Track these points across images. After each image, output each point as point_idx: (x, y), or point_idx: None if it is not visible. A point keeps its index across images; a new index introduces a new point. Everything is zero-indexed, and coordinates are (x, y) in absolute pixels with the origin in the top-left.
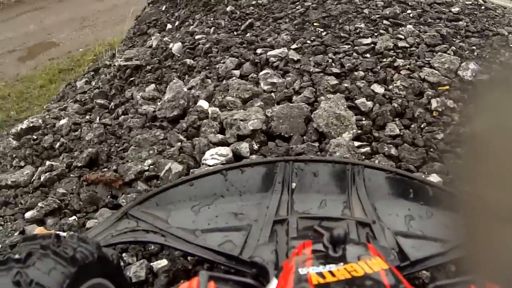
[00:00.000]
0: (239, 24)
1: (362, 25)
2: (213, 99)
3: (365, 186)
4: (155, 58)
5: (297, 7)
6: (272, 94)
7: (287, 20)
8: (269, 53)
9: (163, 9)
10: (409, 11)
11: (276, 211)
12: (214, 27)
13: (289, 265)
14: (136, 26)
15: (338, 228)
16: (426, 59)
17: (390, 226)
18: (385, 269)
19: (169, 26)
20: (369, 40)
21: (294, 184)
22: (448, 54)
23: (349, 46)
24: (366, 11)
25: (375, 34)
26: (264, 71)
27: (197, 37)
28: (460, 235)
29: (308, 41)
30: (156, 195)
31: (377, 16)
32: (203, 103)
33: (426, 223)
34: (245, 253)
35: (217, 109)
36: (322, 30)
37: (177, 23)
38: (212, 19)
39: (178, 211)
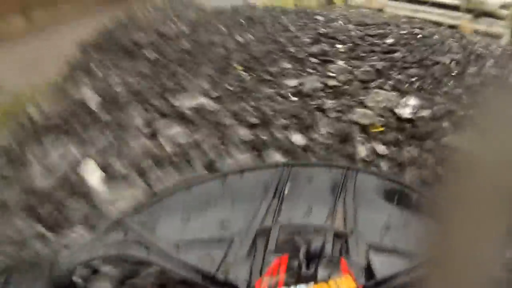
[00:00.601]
0: (162, 72)
1: (289, 65)
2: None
3: (354, 191)
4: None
5: (220, 50)
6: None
7: (210, 65)
8: (186, 104)
9: (93, 56)
10: (339, 46)
11: (261, 221)
12: (136, 77)
13: (261, 286)
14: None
15: (315, 241)
16: (360, 97)
17: (366, 236)
18: (354, 287)
19: (95, 74)
20: (295, 82)
21: (286, 190)
22: (385, 89)
23: (274, 89)
24: (292, 49)
25: (303, 74)
26: (173, 129)
27: (117, 89)
28: (431, 249)
29: (230, 87)
30: (151, 204)
31: (305, 54)
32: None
33: (402, 234)
34: (222, 269)
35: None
36: (245, 73)
37: (101, 73)
38: (133, 68)
39: (168, 219)
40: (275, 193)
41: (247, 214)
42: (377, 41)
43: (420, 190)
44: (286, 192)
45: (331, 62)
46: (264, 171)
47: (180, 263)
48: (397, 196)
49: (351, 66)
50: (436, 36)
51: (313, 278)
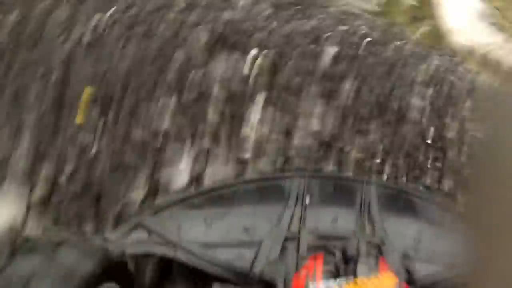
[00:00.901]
0: None
1: None
2: None
3: (377, 204)
4: None
5: None
6: None
7: None
8: None
9: None
10: None
11: (288, 227)
12: None
13: (299, 279)
14: None
15: (349, 247)
16: None
17: (399, 246)
18: (396, 282)
19: None
20: None
21: (307, 200)
22: None
23: None
24: None
25: None
26: None
27: None
28: (468, 259)
29: None
30: (169, 206)
31: None
32: None
33: (436, 245)
34: (255, 269)
35: None
36: None
37: None
38: None
39: (191, 223)
40: (296, 201)
41: (271, 221)
42: None
43: (441, 202)
44: (307, 201)
45: None
46: (282, 181)
47: (210, 261)
48: (422, 209)
49: None
50: None
51: (353, 273)
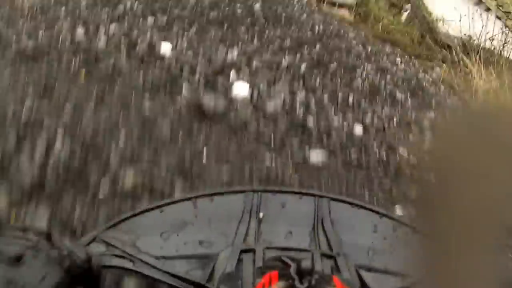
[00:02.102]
0: None
1: None
2: None
3: (330, 218)
4: None
5: None
6: None
7: None
8: None
9: None
10: None
11: (243, 240)
12: None
13: None
14: None
15: (305, 260)
16: None
17: (354, 259)
18: None
19: None
20: None
21: (261, 214)
22: None
23: None
24: None
25: None
26: None
27: None
28: (421, 271)
29: None
30: (125, 220)
31: None
32: None
33: (389, 258)
34: (212, 281)
35: None
36: None
37: None
38: None
39: (147, 237)
40: (250, 216)
41: (226, 235)
42: None
43: (394, 217)
44: (261, 216)
45: None
46: (234, 196)
47: (167, 273)
48: (376, 223)
49: None
50: None
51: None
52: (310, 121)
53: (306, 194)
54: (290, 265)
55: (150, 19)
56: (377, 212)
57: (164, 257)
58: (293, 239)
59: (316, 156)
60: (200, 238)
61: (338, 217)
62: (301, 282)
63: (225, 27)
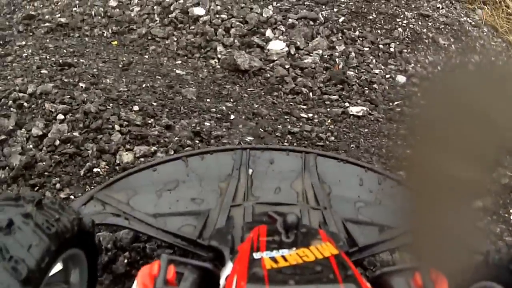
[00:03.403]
0: None
1: None
2: None
3: (317, 173)
4: None
5: None
6: None
7: None
8: None
9: None
10: None
11: (233, 197)
12: None
13: (244, 249)
14: None
15: (291, 214)
16: None
17: (340, 212)
18: (335, 254)
19: None
20: None
21: (251, 171)
22: None
23: None
24: None
25: None
26: None
27: None
28: (407, 222)
29: None
30: (120, 180)
31: None
32: None
33: (375, 210)
34: (203, 237)
35: None
36: None
37: None
38: None
39: (141, 195)
40: (239, 173)
41: (216, 192)
42: None
43: (379, 170)
44: (250, 173)
45: None
46: (224, 154)
47: (160, 230)
48: (362, 177)
49: None
50: None
51: (294, 244)
52: (351, 74)
53: (294, 150)
54: (276, 220)
55: None
56: (363, 166)
57: (157, 214)
58: (281, 194)
59: (356, 108)
60: (191, 195)
61: (325, 172)
62: (287, 236)
63: None
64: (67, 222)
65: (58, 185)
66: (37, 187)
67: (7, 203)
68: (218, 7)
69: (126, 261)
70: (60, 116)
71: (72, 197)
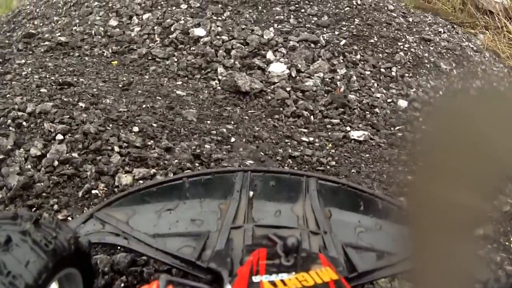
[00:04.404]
0: None
1: None
2: None
3: (318, 197)
4: None
5: None
6: None
7: None
8: None
9: None
10: None
11: (233, 219)
12: None
13: (243, 272)
14: None
15: (291, 237)
16: None
17: (341, 237)
18: (335, 279)
19: None
20: None
21: (251, 194)
22: None
23: None
24: None
25: None
26: None
27: None
28: (408, 248)
29: None
30: (120, 199)
31: None
32: None
33: (375, 236)
34: (202, 258)
35: None
36: None
37: None
38: None
39: (141, 215)
40: (240, 195)
41: (217, 213)
42: None
43: (379, 196)
44: (251, 195)
45: None
46: (226, 175)
47: (159, 250)
48: (362, 202)
49: None
50: None
51: (294, 268)
52: (352, 98)
53: (295, 174)
54: (276, 243)
55: (183, 6)
56: (364, 192)
57: (157, 235)
58: (282, 217)
59: (358, 133)
60: (191, 216)
61: (326, 196)
62: (287, 259)
63: (259, 8)
64: (64, 240)
65: (56, 206)
66: (34, 208)
67: (5, 221)
68: (219, 28)
69: (122, 285)
70: (59, 137)
71: (70, 218)
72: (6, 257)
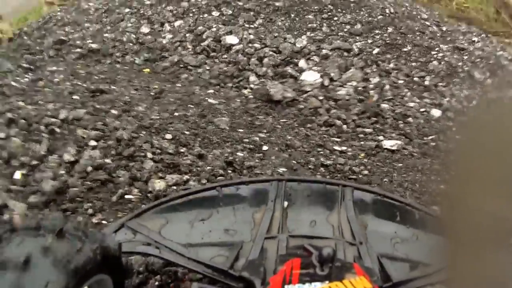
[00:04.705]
0: None
1: None
2: None
3: (354, 207)
4: None
5: None
6: None
7: None
8: None
9: None
10: None
11: (267, 229)
12: None
13: (276, 281)
14: None
15: (326, 248)
16: None
17: (376, 247)
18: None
19: None
20: None
21: (286, 203)
22: None
23: None
24: None
25: None
26: None
27: None
28: (444, 259)
29: None
30: (152, 208)
31: None
32: None
33: (411, 246)
34: (235, 268)
35: None
36: None
37: None
38: None
39: (173, 224)
40: (274, 205)
41: (250, 223)
42: None
43: (416, 206)
44: (285, 205)
45: None
46: (260, 185)
47: (192, 260)
48: (398, 212)
49: None
50: None
51: (328, 278)
52: (385, 107)
53: (330, 183)
54: (312, 253)
55: (215, 13)
56: (401, 202)
57: (189, 244)
58: (317, 227)
59: (391, 142)
60: (225, 226)
61: (362, 206)
62: (322, 269)
63: (292, 16)
64: (89, 251)
65: (90, 210)
66: (69, 212)
67: (27, 233)
68: (251, 36)
69: (156, 283)
70: (92, 143)
71: (104, 222)
72: (25, 278)
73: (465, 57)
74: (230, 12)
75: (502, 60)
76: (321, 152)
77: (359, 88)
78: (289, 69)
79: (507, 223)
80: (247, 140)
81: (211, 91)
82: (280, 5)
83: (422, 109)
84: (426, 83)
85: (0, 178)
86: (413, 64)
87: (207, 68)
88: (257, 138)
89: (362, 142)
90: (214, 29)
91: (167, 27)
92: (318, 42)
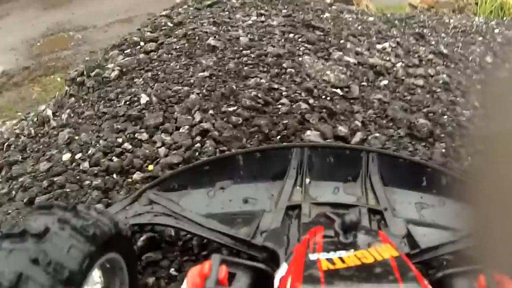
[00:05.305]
0: None
1: None
2: None
3: (378, 173)
4: None
5: None
6: None
7: None
8: None
9: None
10: None
11: (289, 197)
12: None
13: (299, 250)
14: None
15: (349, 215)
16: None
17: (402, 213)
18: (395, 256)
19: None
20: None
21: (308, 170)
22: None
23: None
24: None
25: None
26: None
27: None
28: (471, 225)
29: None
30: (171, 178)
31: None
32: None
33: (438, 212)
34: (257, 237)
35: None
36: None
37: None
38: None
39: (192, 194)
40: (297, 172)
41: (272, 191)
42: None
43: (444, 170)
44: (307, 172)
45: None
46: (281, 152)
47: (213, 231)
48: (425, 177)
49: None
50: None
51: (353, 246)
52: None
53: (354, 149)
54: (334, 220)
55: None
56: (427, 166)
57: (209, 214)
58: (340, 194)
59: None
60: (245, 195)
61: (387, 172)
62: (346, 237)
63: None
64: (103, 225)
65: None
66: None
67: (41, 211)
68: None
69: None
70: None
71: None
72: (47, 246)
73: None
74: None
75: None
76: None
77: None
78: None
79: None
80: None
81: None
82: None
83: None
84: None
85: None
86: None
87: None
88: None
89: None
90: None
91: None
92: None
